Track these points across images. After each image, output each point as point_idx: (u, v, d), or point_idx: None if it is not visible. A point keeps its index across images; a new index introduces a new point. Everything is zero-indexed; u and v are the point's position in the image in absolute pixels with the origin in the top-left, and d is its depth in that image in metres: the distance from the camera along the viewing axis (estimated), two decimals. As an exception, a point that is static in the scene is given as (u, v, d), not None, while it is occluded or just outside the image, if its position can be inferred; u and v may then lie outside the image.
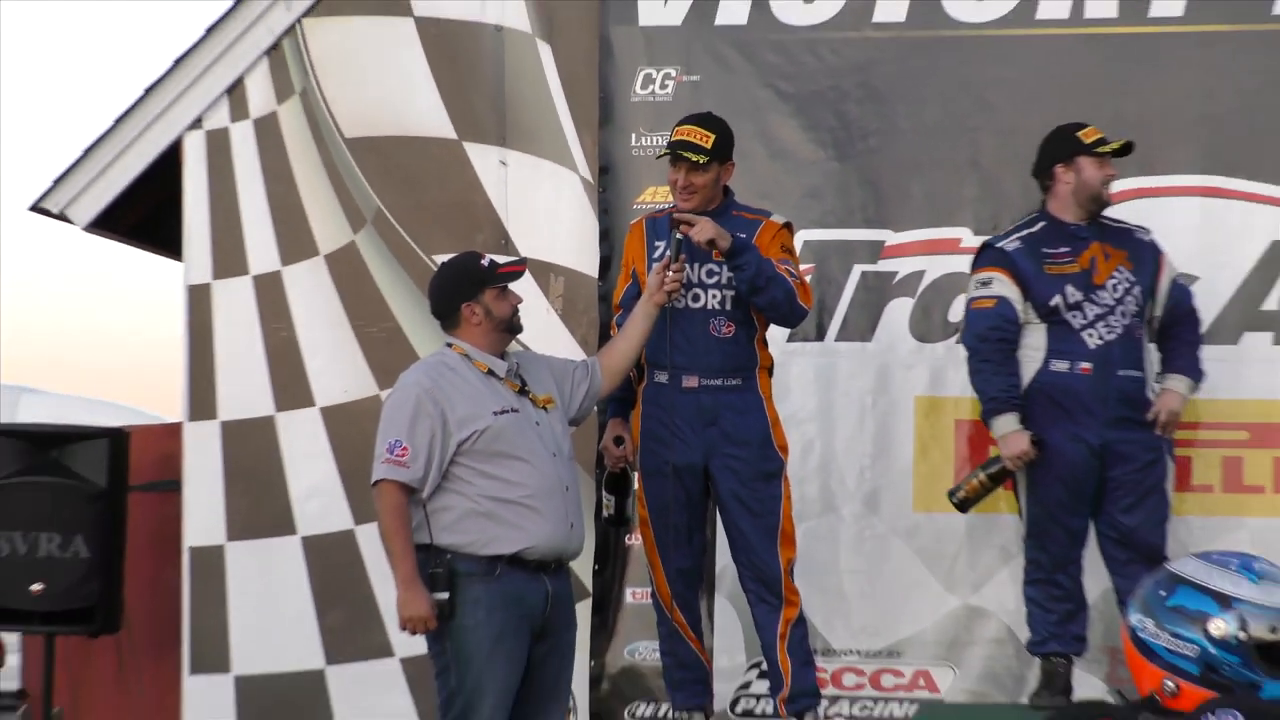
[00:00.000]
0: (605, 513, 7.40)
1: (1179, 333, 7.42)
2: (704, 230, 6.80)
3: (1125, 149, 7.31)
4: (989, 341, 7.32)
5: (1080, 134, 7.28)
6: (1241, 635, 4.16)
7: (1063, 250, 7.27)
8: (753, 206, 7.17)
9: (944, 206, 8.27)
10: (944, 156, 8.31)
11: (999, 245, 7.41)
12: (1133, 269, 7.28)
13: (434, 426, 6.42)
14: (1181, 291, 7.44)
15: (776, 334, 7.63)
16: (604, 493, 7.35)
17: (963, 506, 7.47)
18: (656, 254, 7.02)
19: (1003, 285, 7.31)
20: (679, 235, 6.88)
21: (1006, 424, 7.23)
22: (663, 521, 7.09)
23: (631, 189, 8.34)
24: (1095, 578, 7.40)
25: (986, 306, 7.34)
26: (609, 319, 7.66)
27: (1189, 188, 7.92)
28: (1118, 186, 7.57)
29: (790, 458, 7.22)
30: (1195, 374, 7.37)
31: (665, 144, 7.03)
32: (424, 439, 6.42)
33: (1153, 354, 7.44)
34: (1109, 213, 7.48)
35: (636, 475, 7.19)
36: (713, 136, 6.97)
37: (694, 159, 6.92)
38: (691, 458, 7.02)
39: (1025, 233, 7.39)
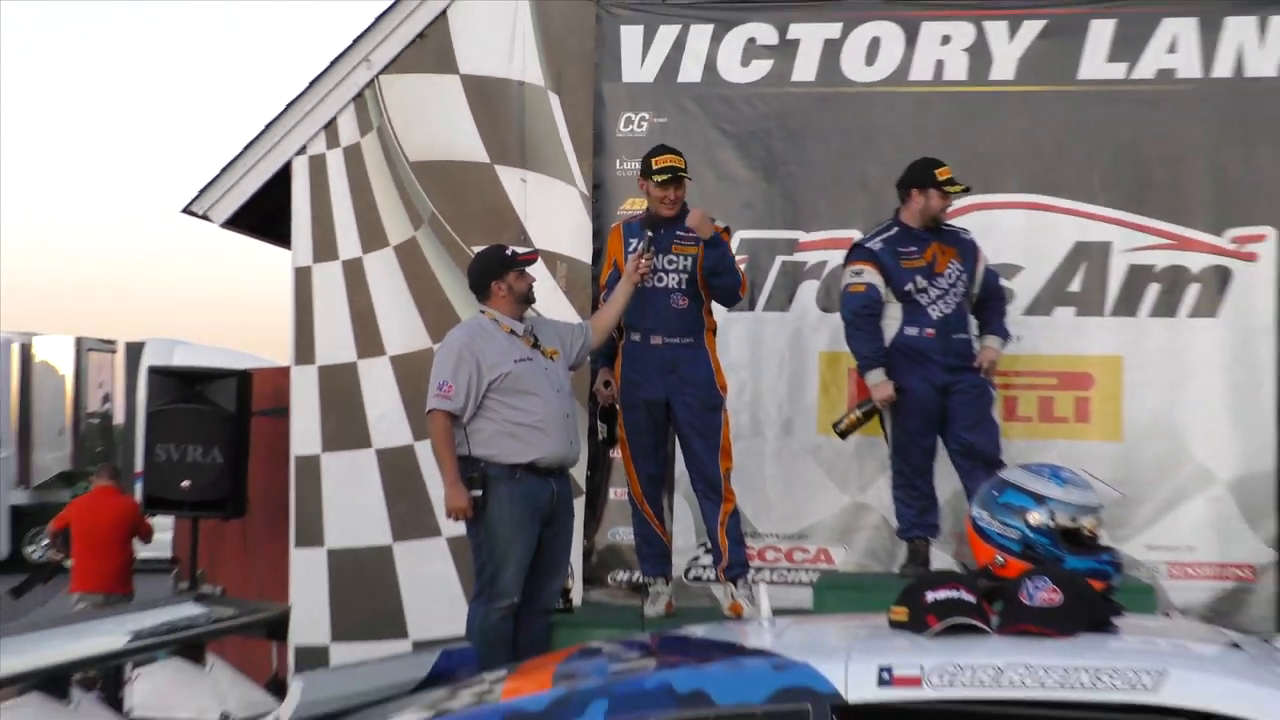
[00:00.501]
0: (600, 436, 7.33)
1: (991, 305, 7.37)
2: (701, 223, 6.86)
3: (965, 191, 7.29)
4: (861, 316, 7.25)
5: (937, 171, 7.18)
6: (1051, 524, 4.21)
7: (912, 249, 7.20)
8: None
9: (841, 215, 8.24)
10: (841, 179, 8.29)
11: (867, 245, 7.32)
12: (961, 262, 7.22)
13: (471, 371, 6.48)
14: (992, 276, 7.38)
15: (720, 306, 7.71)
16: (599, 422, 7.28)
17: (843, 435, 7.42)
18: (631, 248, 7.00)
19: (870, 275, 7.23)
20: (649, 234, 6.91)
21: (876, 376, 7.20)
22: (636, 441, 7.13)
23: (616, 201, 8.32)
24: (948, 481, 7.39)
25: (859, 290, 7.26)
26: (598, 295, 7.71)
27: (1016, 203, 7.93)
28: (972, 199, 7.62)
29: (729, 395, 7.23)
30: (1004, 334, 7.35)
31: (655, 170, 6.94)
32: (464, 380, 6.48)
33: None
34: (949, 222, 7.43)
35: (619, 413, 7.15)
36: (684, 161, 7.03)
37: (687, 178, 6.98)
38: (657, 395, 7.03)
39: (885, 235, 7.30)
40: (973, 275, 7.31)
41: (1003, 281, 7.54)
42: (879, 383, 7.18)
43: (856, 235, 8.03)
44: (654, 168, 6.97)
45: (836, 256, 8.10)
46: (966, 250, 7.30)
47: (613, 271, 7.16)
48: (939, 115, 8.16)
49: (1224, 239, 8.04)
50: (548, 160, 8.47)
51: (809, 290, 8.28)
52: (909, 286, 7.19)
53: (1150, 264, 8.08)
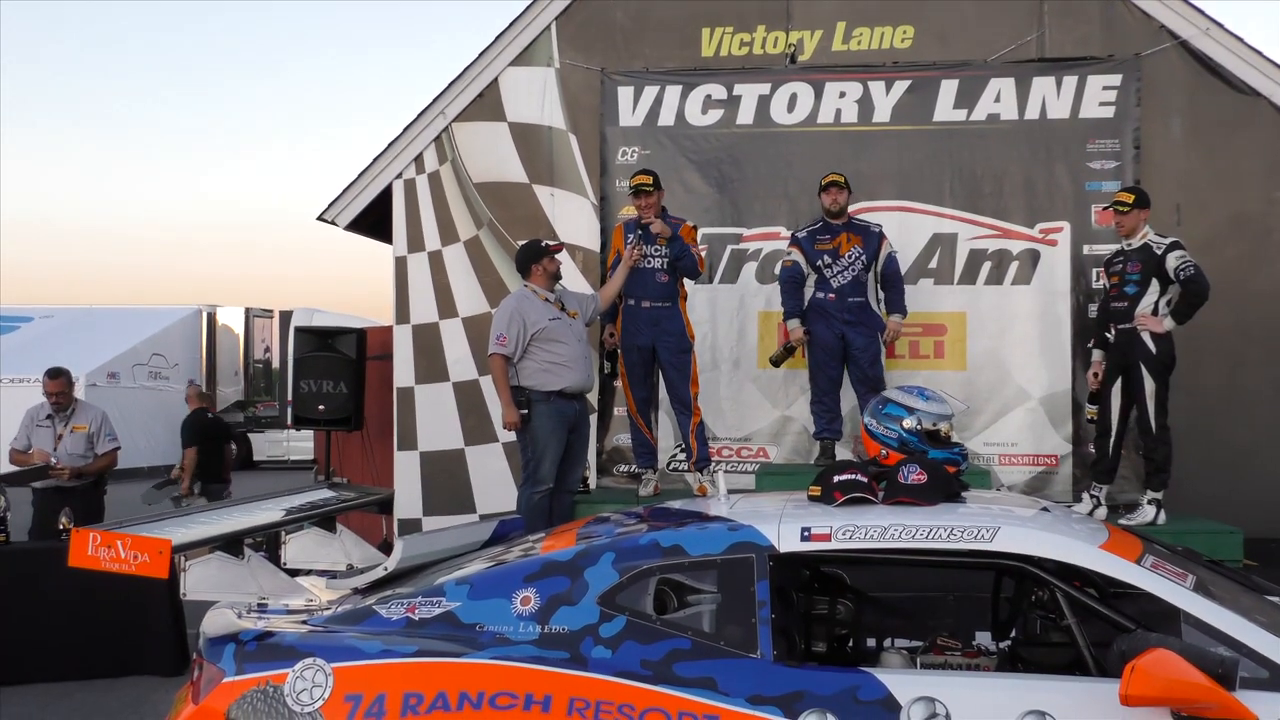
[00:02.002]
0: (606, 370, 7.42)
1: (892, 285, 7.32)
2: (661, 229, 6.89)
3: (843, 186, 7.26)
4: (787, 283, 7.36)
5: (823, 180, 7.28)
6: (919, 427, 4.19)
7: (826, 237, 7.24)
8: (674, 217, 7.17)
9: (770, 216, 8.18)
10: (770, 192, 8.21)
11: (798, 234, 7.42)
12: (862, 246, 7.20)
13: (519, 326, 6.46)
14: (892, 261, 7.35)
15: (686, 279, 7.69)
16: (605, 361, 7.35)
17: (775, 364, 7.45)
18: (629, 242, 7.01)
19: (796, 255, 7.33)
20: (639, 231, 6.95)
21: (793, 324, 7.30)
22: (632, 374, 7.13)
23: (616, 208, 8.23)
24: (850, 401, 7.41)
25: (788, 265, 7.38)
26: (604, 273, 7.64)
27: (891, 207, 7.84)
28: (860, 205, 7.56)
29: (695, 342, 7.24)
30: (902, 310, 7.30)
31: (630, 186, 7.03)
32: (514, 332, 6.45)
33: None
34: (863, 218, 7.43)
35: (620, 354, 7.18)
36: (654, 177, 7.04)
37: (651, 189, 6.97)
38: (645, 342, 7.05)
39: (811, 228, 7.39)
40: (874, 257, 7.27)
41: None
42: (794, 328, 7.27)
43: (782, 230, 8.06)
44: (632, 185, 7.01)
45: (769, 245, 8.15)
46: (870, 239, 7.25)
47: (616, 258, 7.14)
48: (837, 147, 8.10)
49: (1034, 230, 8.01)
50: (569, 180, 8.39)
51: (750, 269, 8.23)
52: (819, 263, 7.22)
53: (984, 248, 8.05)
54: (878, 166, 7.97)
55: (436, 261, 8.54)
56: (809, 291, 7.30)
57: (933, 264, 8.05)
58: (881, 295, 7.36)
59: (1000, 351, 8.00)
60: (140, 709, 6.07)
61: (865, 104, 8.11)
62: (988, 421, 7.96)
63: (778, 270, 7.51)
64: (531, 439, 6.53)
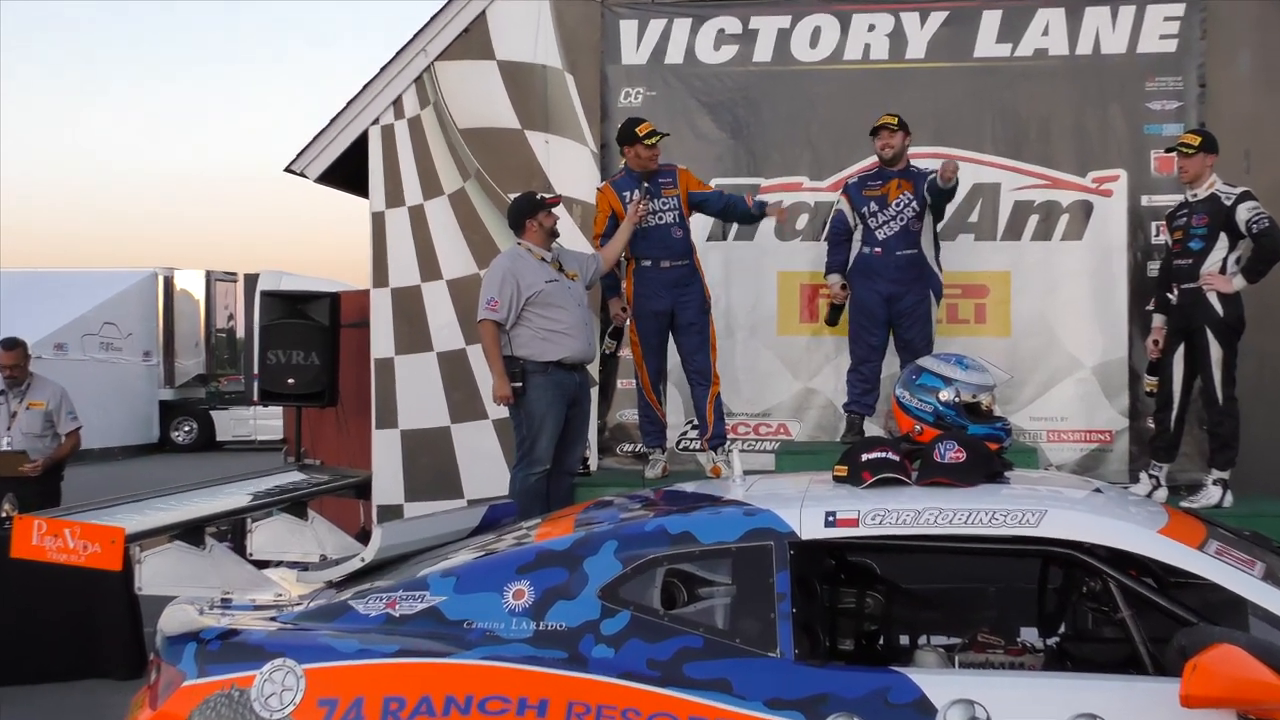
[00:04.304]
0: (607, 350, 7.46)
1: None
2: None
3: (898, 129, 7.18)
4: (831, 235, 7.43)
5: (878, 122, 7.16)
6: (956, 400, 4.21)
7: (876, 183, 7.20)
8: (665, 164, 7.20)
9: (791, 165, 8.15)
10: (791, 136, 8.19)
11: (850, 181, 7.45)
12: (913, 192, 7.10)
13: (512, 288, 6.46)
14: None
15: (699, 235, 7.72)
16: (607, 338, 7.38)
17: (830, 323, 7.50)
18: (627, 200, 7.02)
19: (843, 204, 7.34)
20: (646, 185, 7.00)
21: (832, 279, 7.34)
22: (647, 343, 7.16)
23: (619, 157, 8.07)
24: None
25: (835, 215, 7.42)
26: (596, 247, 7.49)
27: (928, 154, 7.67)
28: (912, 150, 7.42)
29: (711, 305, 7.28)
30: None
31: (644, 135, 7.00)
32: (507, 295, 6.46)
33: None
34: (918, 164, 7.29)
35: (629, 323, 7.21)
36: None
37: (664, 136, 7.07)
38: (664, 306, 7.09)
39: (864, 173, 7.40)
40: (924, 201, 7.13)
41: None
42: (832, 282, 7.35)
43: (804, 179, 8.04)
44: (641, 134, 7.00)
45: (790, 197, 8.10)
46: (920, 183, 7.13)
47: (609, 222, 7.14)
48: (866, 87, 8.05)
49: (1086, 179, 7.97)
50: (565, 125, 8.35)
51: (768, 224, 8.13)
52: (864, 210, 7.20)
53: (1030, 199, 8.02)
54: (911, 108, 7.88)
55: (418, 217, 8.52)
56: (856, 246, 7.29)
57: (973, 217, 8.02)
58: (938, 250, 7.28)
59: (1048, 315, 7.99)
60: (94, 716, 6.10)
61: (897, 38, 8.07)
62: (1034, 393, 7.96)
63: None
64: (526, 415, 6.54)
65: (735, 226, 8.18)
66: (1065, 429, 7.96)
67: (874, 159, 7.34)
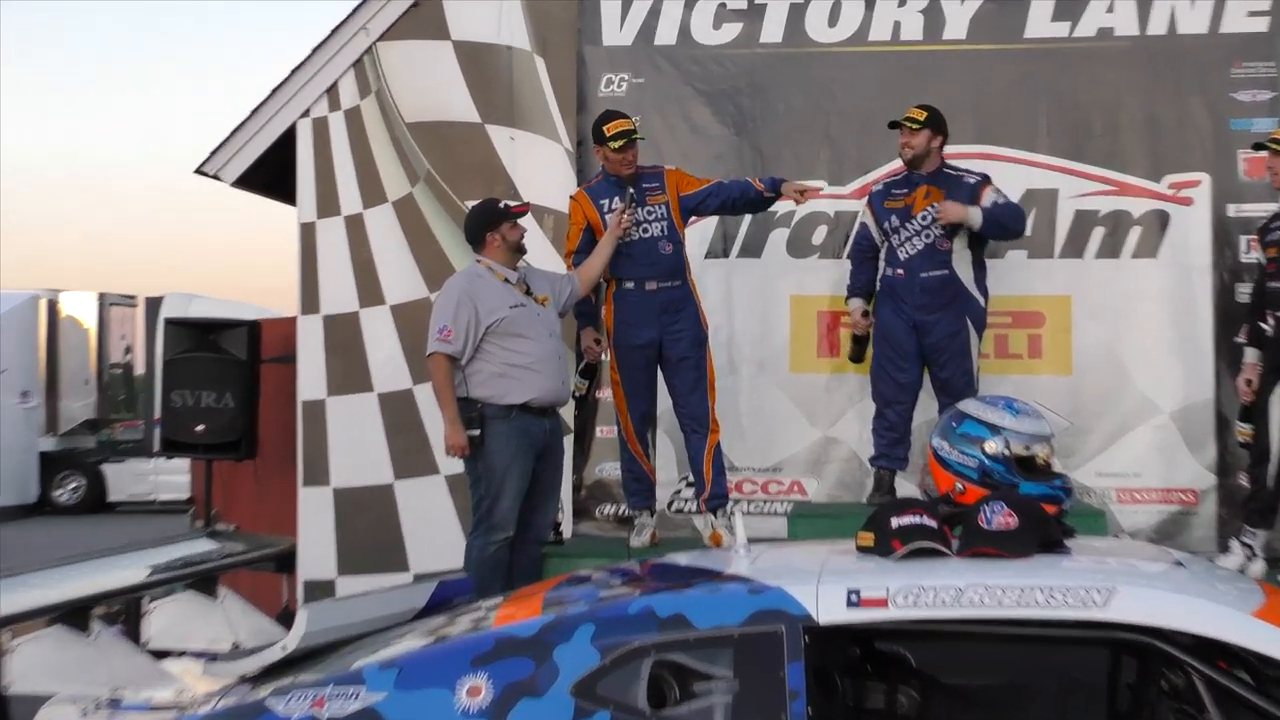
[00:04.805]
0: (577, 393, 7.37)
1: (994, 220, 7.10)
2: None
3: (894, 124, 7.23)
4: (853, 251, 7.53)
5: (902, 119, 7.17)
6: (1006, 452, 4.22)
7: (901, 191, 7.24)
8: (647, 164, 7.23)
9: (805, 166, 8.15)
10: (805, 132, 8.24)
11: (875, 188, 7.48)
12: (945, 201, 7.07)
13: (469, 316, 6.48)
14: (996, 207, 7.06)
15: (696, 251, 7.78)
16: (578, 377, 7.32)
17: (854, 359, 7.52)
18: (606, 209, 7.05)
19: (866, 215, 7.43)
20: (630, 192, 7.02)
21: (853, 304, 7.42)
22: (631, 381, 7.14)
23: (597, 156, 8.19)
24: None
25: (858, 228, 7.53)
26: (569, 265, 7.44)
27: (969, 153, 7.72)
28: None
29: (710, 334, 7.29)
30: (985, 211, 7.01)
31: (609, 136, 7.00)
32: (463, 324, 6.47)
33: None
34: (959, 164, 7.31)
35: (609, 355, 7.19)
36: (633, 123, 7.14)
37: (635, 136, 7.04)
38: (650, 336, 7.07)
39: (891, 178, 7.44)
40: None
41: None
42: (853, 309, 7.42)
43: (822, 184, 8.05)
44: (608, 135, 7.02)
45: (804, 206, 8.08)
46: (959, 192, 7.12)
47: (584, 236, 7.16)
48: (896, 72, 8.11)
49: (1161, 184, 8.01)
50: (534, 119, 8.39)
51: (779, 237, 8.23)
52: (886, 225, 7.25)
53: (1094, 209, 8.05)
54: (949, 99, 7.91)
55: (356, 229, 8.53)
56: (880, 266, 7.35)
57: (1026, 230, 8.04)
58: (980, 271, 7.25)
59: (1117, 348, 8.01)
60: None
61: (933, 15, 8.13)
62: (1101, 444, 7.97)
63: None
64: (485, 469, 6.53)
65: (739, 240, 8.23)
66: (1139, 487, 7.96)
67: (899, 162, 7.39)
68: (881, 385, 7.35)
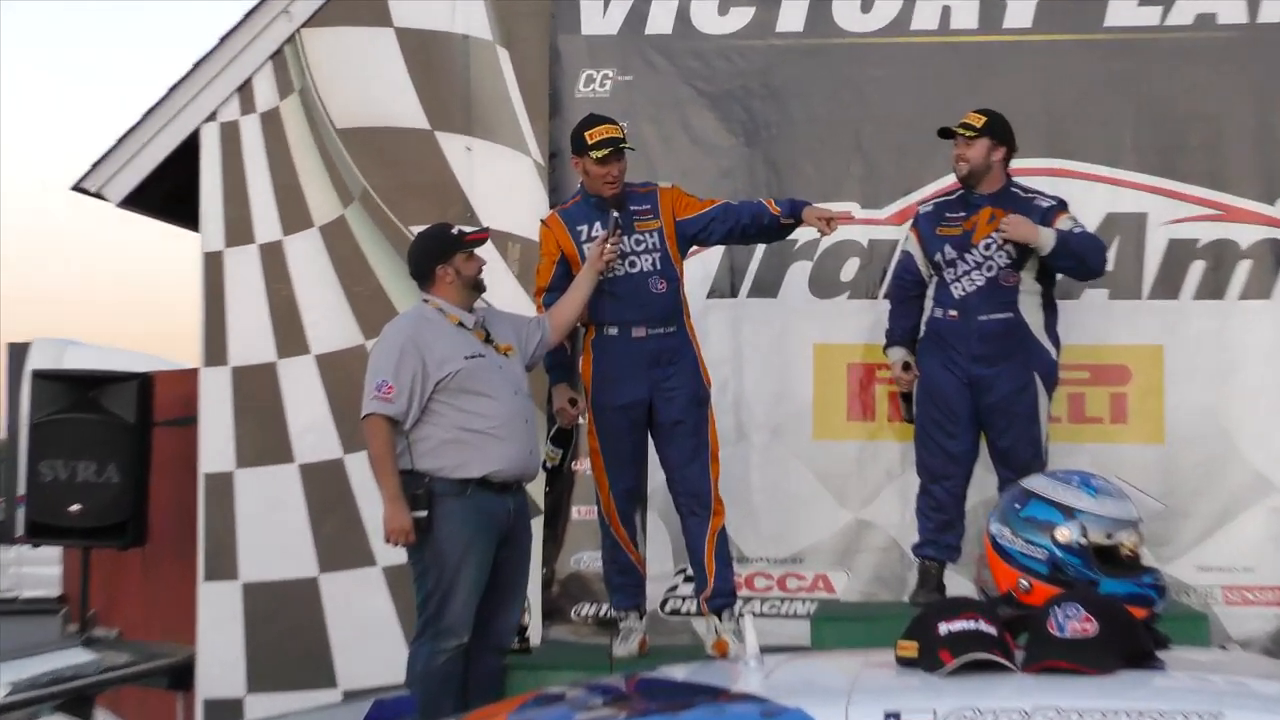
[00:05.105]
0: (549, 463, 7.39)
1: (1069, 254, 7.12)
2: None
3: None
4: (893, 289, 7.59)
5: (956, 126, 7.19)
6: (1082, 541, 4.21)
7: (958, 214, 7.26)
8: (635, 182, 7.21)
9: (835, 184, 8.22)
10: (833, 142, 8.29)
11: (922, 209, 7.53)
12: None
13: (415, 368, 6.48)
14: (1073, 238, 7.08)
15: (697, 289, 7.81)
16: (550, 445, 7.35)
17: (909, 420, 7.53)
18: (584, 237, 7.06)
19: (910, 242, 7.46)
20: (615, 215, 7.00)
21: (893, 354, 7.46)
22: (613, 450, 7.13)
23: (576, 170, 8.21)
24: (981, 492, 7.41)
25: (900, 259, 7.55)
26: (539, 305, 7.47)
27: (1036, 169, 7.79)
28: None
29: (712, 391, 7.28)
30: (1059, 234, 7.03)
31: (591, 144, 6.97)
32: (407, 378, 6.47)
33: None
34: (1027, 181, 7.37)
35: (588, 418, 7.18)
36: (622, 130, 7.13)
37: (623, 147, 7.03)
38: (639, 394, 7.06)
39: (944, 198, 7.47)
40: (1026, 248, 7.12)
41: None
42: (894, 361, 7.47)
43: (852, 207, 8.09)
44: (590, 142, 7.00)
45: (832, 235, 8.10)
46: (1031, 218, 7.12)
47: (558, 269, 7.16)
48: (945, 69, 8.18)
49: (1276, 208, 8.06)
50: (497, 125, 8.46)
51: (800, 273, 8.27)
52: (937, 258, 7.28)
53: (1193, 238, 8.07)
54: (1011, 102, 7.96)
55: (274, 260, 8.58)
56: (927, 306, 7.37)
57: (1107, 265, 8.05)
58: (1051, 314, 7.28)
59: (1221, 412, 8.03)
60: None
61: (991, 1, 8.19)
62: (1203, 531, 7.96)
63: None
64: (434, 560, 6.52)
65: (750, 275, 8.27)
66: (1250, 585, 7.94)
67: (953, 179, 7.42)
68: (927, 456, 7.36)
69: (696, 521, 7.16)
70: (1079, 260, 7.15)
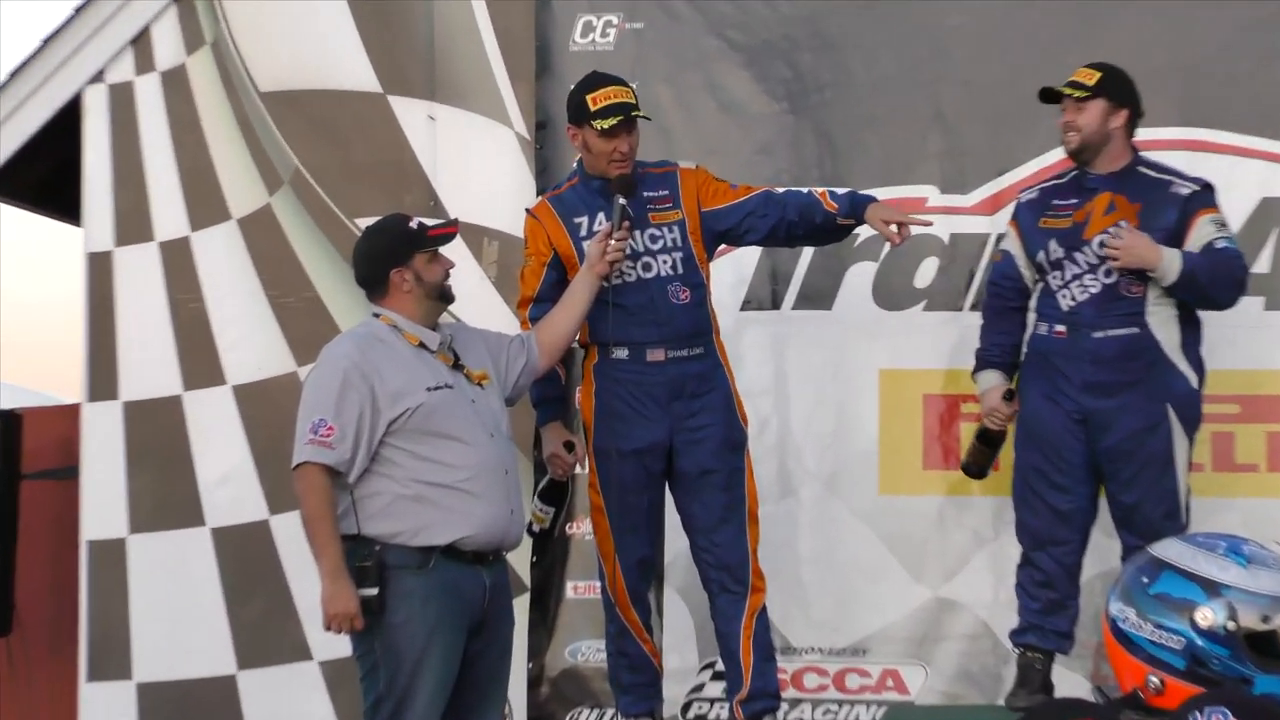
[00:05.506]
0: (536, 526, 7.31)
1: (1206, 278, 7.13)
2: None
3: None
4: (989, 297, 7.56)
5: (1063, 85, 7.20)
6: (1230, 625, 4.22)
7: (1068, 201, 7.29)
8: (649, 161, 7.21)
9: (906, 163, 8.32)
10: (904, 109, 8.36)
11: (1023, 195, 7.55)
12: (1140, 224, 7.15)
13: (362, 403, 6.42)
14: (1218, 257, 7.14)
15: (728, 299, 7.88)
16: (538, 503, 7.31)
17: (968, 471, 7.57)
18: (584, 232, 7.06)
19: (1009, 239, 7.48)
20: (621, 201, 6.94)
21: (984, 380, 7.41)
22: (623, 509, 7.12)
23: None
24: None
25: (996, 261, 7.57)
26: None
27: (1170, 141, 7.91)
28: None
29: (748, 432, 7.31)
30: (1187, 263, 7.06)
31: (595, 110, 6.95)
32: (351, 417, 6.42)
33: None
34: (1158, 157, 7.43)
35: (588, 467, 7.19)
36: (633, 94, 7.11)
37: (633, 113, 7.01)
38: (656, 436, 7.07)
39: (1052, 182, 7.50)
40: (1166, 242, 7.13)
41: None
42: (986, 388, 7.41)
43: (929, 193, 8.16)
44: (592, 108, 7.02)
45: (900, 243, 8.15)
46: (1162, 206, 7.20)
47: (549, 274, 7.16)
48: (1047, 17, 8.23)
49: None
50: (468, 89, 8.54)
51: (861, 278, 8.34)
52: (1040, 257, 7.29)
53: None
54: (1136, 59, 8.04)
55: (179, 262, 8.65)
56: (1031, 320, 7.40)
57: (1262, 264, 8.11)
58: (1191, 331, 7.26)
59: None
60: None
61: (1108, -76, 8.24)
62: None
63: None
64: (387, 652, 6.50)
65: (796, 281, 8.31)
66: None
67: (1062, 154, 7.46)
68: (1030, 515, 7.36)
69: (729, 601, 7.17)
70: (1203, 295, 7.18)
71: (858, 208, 7.08)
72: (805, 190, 7.32)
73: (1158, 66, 7.99)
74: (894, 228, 7.03)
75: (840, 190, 7.27)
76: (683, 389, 7.09)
